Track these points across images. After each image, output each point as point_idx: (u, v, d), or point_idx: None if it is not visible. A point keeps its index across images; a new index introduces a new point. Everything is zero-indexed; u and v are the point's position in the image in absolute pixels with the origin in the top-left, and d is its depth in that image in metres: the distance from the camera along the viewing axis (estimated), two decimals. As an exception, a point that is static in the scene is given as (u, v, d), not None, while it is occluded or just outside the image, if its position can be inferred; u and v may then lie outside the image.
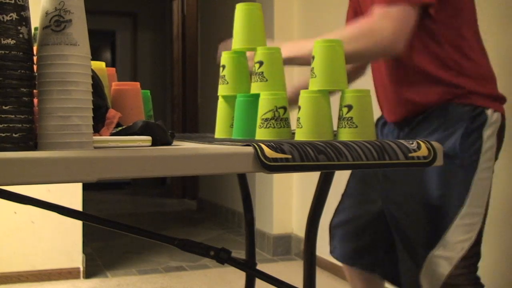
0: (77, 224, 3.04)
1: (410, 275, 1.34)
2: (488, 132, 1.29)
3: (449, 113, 1.31)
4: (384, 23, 1.25)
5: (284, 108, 1.15)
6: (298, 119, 1.12)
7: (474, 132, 1.29)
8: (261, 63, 1.18)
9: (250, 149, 0.90)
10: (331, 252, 1.60)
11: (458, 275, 1.26)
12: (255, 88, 1.19)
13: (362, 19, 1.31)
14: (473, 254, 1.28)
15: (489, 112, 1.30)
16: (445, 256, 1.25)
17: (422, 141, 1.05)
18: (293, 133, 1.28)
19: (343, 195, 1.60)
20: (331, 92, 1.16)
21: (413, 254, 1.31)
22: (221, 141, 1.11)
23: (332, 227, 1.60)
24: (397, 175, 1.37)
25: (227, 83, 1.26)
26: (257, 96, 1.19)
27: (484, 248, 1.36)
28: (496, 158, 1.33)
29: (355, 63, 1.43)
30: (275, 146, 0.91)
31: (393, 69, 1.38)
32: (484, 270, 1.37)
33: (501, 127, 1.33)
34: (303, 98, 1.12)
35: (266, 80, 1.18)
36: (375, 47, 1.27)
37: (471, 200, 1.26)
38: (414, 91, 1.35)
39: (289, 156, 0.91)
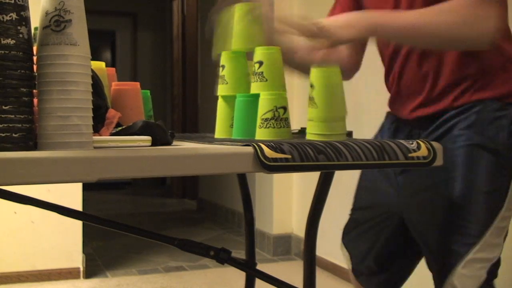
0: (77, 224, 3.04)
1: (441, 277, 1.25)
2: None
3: (489, 111, 1.21)
4: (489, 10, 1.13)
5: (284, 108, 1.15)
6: (312, 98, 1.11)
7: None
8: (260, 63, 1.18)
9: (250, 149, 0.90)
10: (357, 275, 1.50)
11: (487, 280, 1.22)
12: (255, 88, 1.20)
13: (455, 1, 1.14)
14: (500, 259, 1.25)
15: None
16: (482, 259, 1.19)
17: (422, 141, 1.05)
18: (294, 133, 1.28)
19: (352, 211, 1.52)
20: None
21: (446, 256, 1.23)
22: (221, 141, 1.11)
23: (346, 244, 1.50)
24: (418, 176, 1.29)
25: (227, 83, 1.26)
26: (256, 96, 1.19)
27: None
28: None
29: (448, 50, 1.24)
30: (275, 146, 0.91)
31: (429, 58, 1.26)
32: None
33: None
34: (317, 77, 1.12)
35: (266, 80, 1.18)
36: (481, 36, 1.15)
37: (508, 202, 1.20)
38: (456, 88, 1.23)
39: (289, 156, 0.91)
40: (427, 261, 1.31)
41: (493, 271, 1.22)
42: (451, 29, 1.15)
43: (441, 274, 1.23)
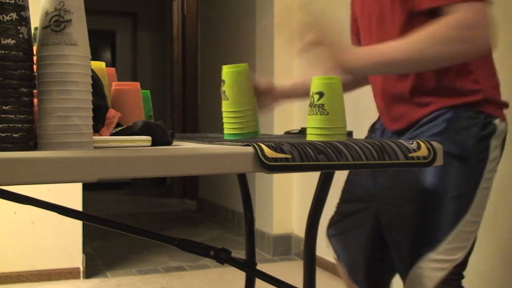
0: (77, 224, 3.04)
1: (401, 277, 1.32)
2: (495, 143, 1.25)
3: (459, 118, 1.25)
4: (479, 20, 1.14)
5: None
6: (322, 105, 1.11)
7: (483, 141, 1.24)
8: (321, 94, 1.12)
9: (250, 149, 0.90)
10: (338, 259, 1.56)
11: (449, 280, 1.25)
12: (313, 121, 1.13)
13: (445, 18, 1.17)
14: (465, 261, 1.28)
15: (497, 121, 1.26)
16: (443, 260, 1.24)
17: (422, 141, 1.05)
18: (294, 133, 1.29)
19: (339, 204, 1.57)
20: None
21: (406, 256, 1.29)
22: (221, 141, 1.11)
23: (331, 235, 1.56)
24: (394, 177, 1.34)
25: (227, 99, 1.28)
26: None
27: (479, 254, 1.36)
28: (495, 171, 1.29)
29: (445, 66, 1.28)
30: (275, 146, 0.91)
31: (403, 76, 1.31)
32: (477, 274, 1.37)
33: (504, 137, 1.30)
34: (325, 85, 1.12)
35: (327, 114, 1.11)
36: (475, 47, 1.17)
37: (474, 208, 1.24)
38: (428, 98, 1.28)
39: (289, 156, 0.91)
40: (394, 261, 1.35)
41: (457, 272, 1.26)
42: (444, 45, 1.17)
43: (403, 273, 1.29)
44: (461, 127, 1.24)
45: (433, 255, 1.24)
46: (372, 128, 1.51)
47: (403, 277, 1.30)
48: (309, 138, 1.13)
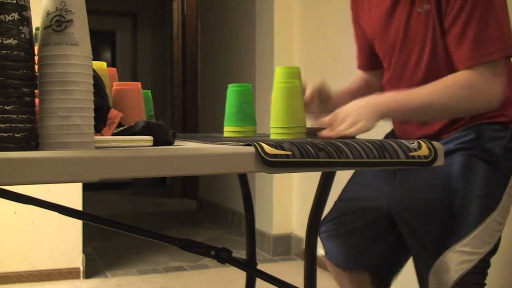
0: (77, 224, 3.04)
1: (424, 269, 1.32)
2: None
3: (488, 130, 1.30)
4: (493, 85, 1.24)
5: None
6: None
7: (511, 151, 1.30)
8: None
9: (250, 148, 0.90)
10: (326, 255, 1.57)
11: (472, 273, 1.26)
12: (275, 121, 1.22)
13: (463, 75, 1.25)
14: (488, 259, 1.29)
15: None
16: (469, 252, 1.25)
17: (422, 141, 1.05)
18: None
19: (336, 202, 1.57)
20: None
21: (431, 248, 1.30)
22: (222, 141, 1.11)
23: (323, 231, 1.57)
24: (413, 178, 1.35)
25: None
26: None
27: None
28: None
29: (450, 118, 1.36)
30: (275, 144, 0.91)
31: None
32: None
33: None
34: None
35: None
36: (483, 106, 1.27)
37: (500, 209, 1.28)
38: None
39: (289, 153, 0.91)
40: (414, 256, 1.36)
41: (481, 266, 1.27)
42: (459, 104, 1.25)
43: (428, 265, 1.29)
44: (491, 137, 1.29)
45: (459, 246, 1.25)
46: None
47: (427, 270, 1.29)
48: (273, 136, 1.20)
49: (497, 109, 1.29)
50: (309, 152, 0.93)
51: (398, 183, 1.39)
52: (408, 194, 1.35)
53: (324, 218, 1.54)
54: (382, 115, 1.25)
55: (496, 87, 1.24)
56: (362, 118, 1.21)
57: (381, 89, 1.52)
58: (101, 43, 8.35)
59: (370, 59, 1.56)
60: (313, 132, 1.28)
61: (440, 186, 1.29)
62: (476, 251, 1.25)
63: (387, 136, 1.55)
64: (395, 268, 1.53)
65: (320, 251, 1.54)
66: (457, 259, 1.25)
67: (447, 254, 1.26)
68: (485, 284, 1.32)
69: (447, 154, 1.25)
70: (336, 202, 1.55)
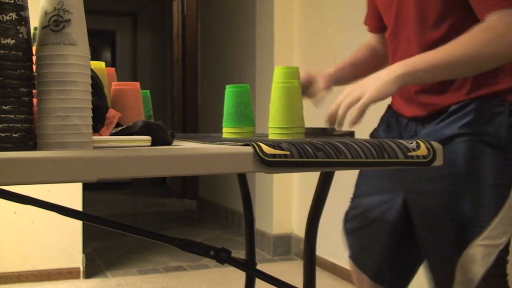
0: (77, 224, 3.04)
1: (444, 268, 1.28)
2: None
3: (486, 107, 1.24)
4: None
5: None
6: None
7: None
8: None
9: (249, 148, 0.90)
10: (351, 256, 1.51)
11: (494, 265, 1.23)
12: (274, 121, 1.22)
13: (485, 24, 1.18)
14: (507, 246, 1.26)
15: None
16: (490, 245, 1.22)
17: (421, 141, 1.05)
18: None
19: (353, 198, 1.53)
20: None
21: (452, 245, 1.26)
22: (222, 141, 1.11)
23: (347, 231, 1.52)
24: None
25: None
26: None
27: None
28: None
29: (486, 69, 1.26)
30: (274, 144, 0.91)
31: None
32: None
33: None
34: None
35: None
36: (510, 51, 1.17)
37: None
38: (457, 84, 1.26)
39: (288, 153, 0.91)
40: (429, 251, 1.32)
41: (502, 257, 1.24)
42: (483, 48, 1.17)
43: (451, 263, 1.25)
44: (491, 115, 1.23)
45: (480, 241, 1.22)
46: (381, 122, 1.48)
47: (452, 267, 1.25)
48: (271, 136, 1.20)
49: (490, 76, 1.24)
50: (308, 152, 0.92)
51: (410, 173, 1.34)
52: (418, 183, 1.31)
53: (345, 217, 1.51)
54: (400, 79, 1.17)
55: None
56: (370, 86, 1.16)
57: (387, 58, 1.46)
58: (101, 43, 8.35)
59: (382, 21, 1.48)
60: (313, 132, 1.28)
61: (446, 177, 1.25)
62: (496, 243, 1.22)
63: (383, 118, 1.49)
64: (407, 279, 1.48)
65: (347, 250, 1.51)
66: (480, 253, 1.22)
67: (469, 251, 1.22)
68: (507, 275, 1.28)
69: (449, 140, 1.22)
70: (352, 198, 1.51)
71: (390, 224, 1.41)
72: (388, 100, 1.42)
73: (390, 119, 1.44)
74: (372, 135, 1.51)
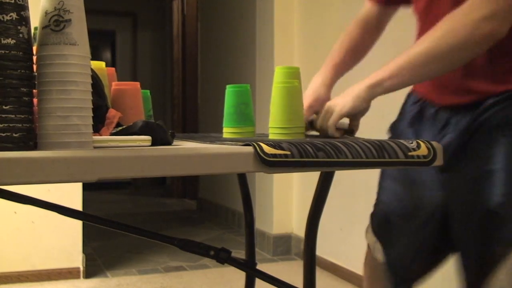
0: (77, 224, 3.04)
1: (481, 271, 1.20)
2: None
3: None
4: (486, 9, 1.07)
5: None
6: None
7: None
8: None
9: (249, 148, 0.90)
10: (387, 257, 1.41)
11: None
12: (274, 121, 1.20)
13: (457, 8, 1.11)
14: None
15: None
16: None
17: (421, 141, 1.05)
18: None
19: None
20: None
21: (484, 256, 1.20)
22: (222, 141, 1.11)
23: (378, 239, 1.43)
24: (458, 170, 1.22)
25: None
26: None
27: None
28: None
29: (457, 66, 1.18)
30: (274, 144, 0.91)
31: None
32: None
33: None
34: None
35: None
36: (487, 28, 1.08)
37: None
38: (505, 68, 1.17)
39: (288, 152, 0.91)
40: (463, 256, 1.26)
41: None
42: (438, 44, 1.11)
43: (498, 260, 1.18)
44: None
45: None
46: (401, 113, 1.42)
47: (497, 265, 1.18)
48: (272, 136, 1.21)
49: None
50: (308, 152, 0.92)
51: (446, 175, 1.25)
52: (456, 189, 1.24)
53: (374, 219, 1.44)
54: (367, 92, 1.17)
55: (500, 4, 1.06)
56: (339, 104, 1.20)
57: (379, 31, 1.43)
58: (101, 43, 8.36)
59: None
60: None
61: (484, 177, 1.17)
62: None
63: (408, 97, 1.40)
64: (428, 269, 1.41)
65: (378, 255, 1.44)
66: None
67: (499, 267, 1.15)
68: None
69: (491, 129, 1.17)
70: (378, 201, 1.44)
71: (425, 231, 1.34)
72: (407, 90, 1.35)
73: (413, 109, 1.37)
74: (393, 127, 1.44)
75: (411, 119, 1.37)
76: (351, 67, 1.50)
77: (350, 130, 1.28)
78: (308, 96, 1.41)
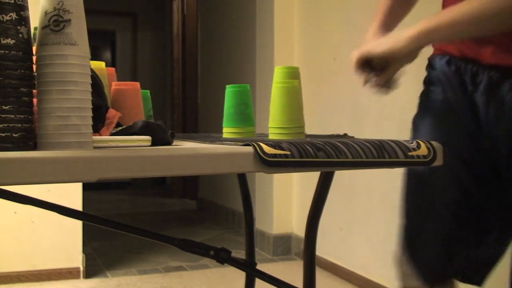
0: (77, 224, 3.04)
1: None
2: None
3: None
4: None
5: None
6: None
7: None
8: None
9: (249, 148, 0.90)
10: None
11: None
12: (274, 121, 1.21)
13: None
14: None
15: None
16: None
17: (421, 141, 1.06)
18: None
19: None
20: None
21: None
22: (222, 141, 1.11)
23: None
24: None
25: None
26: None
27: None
28: None
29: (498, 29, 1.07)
30: (274, 144, 0.91)
31: None
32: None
33: None
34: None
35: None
36: None
37: None
38: None
39: (288, 152, 0.91)
40: None
41: None
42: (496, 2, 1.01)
43: None
44: None
45: None
46: (430, 80, 1.28)
47: None
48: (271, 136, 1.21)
49: None
50: (308, 152, 0.92)
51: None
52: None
53: (404, 243, 1.27)
54: (420, 35, 1.08)
55: None
56: (377, 42, 1.13)
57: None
58: (101, 43, 8.36)
59: None
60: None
61: None
62: None
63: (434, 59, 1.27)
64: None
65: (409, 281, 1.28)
66: None
67: None
68: None
69: None
70: (409, 218, 1.27)
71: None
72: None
73: (447, 72, 1.22)
74: (424, 97, 1.29)
75: (444, 86, 1.23)
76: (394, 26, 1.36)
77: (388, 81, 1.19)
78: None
